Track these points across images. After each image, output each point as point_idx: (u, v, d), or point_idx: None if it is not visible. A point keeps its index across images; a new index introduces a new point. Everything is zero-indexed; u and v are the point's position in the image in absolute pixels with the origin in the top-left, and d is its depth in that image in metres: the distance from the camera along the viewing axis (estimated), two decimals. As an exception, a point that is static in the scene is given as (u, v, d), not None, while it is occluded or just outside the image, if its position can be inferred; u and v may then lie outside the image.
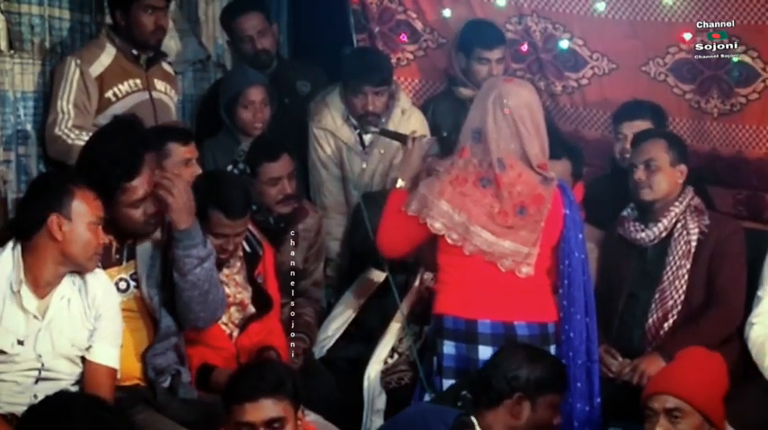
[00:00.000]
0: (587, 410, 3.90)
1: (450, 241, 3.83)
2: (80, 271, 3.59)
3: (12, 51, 4.52)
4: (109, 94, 4.76)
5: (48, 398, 3.15)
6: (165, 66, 5.05)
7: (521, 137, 3.83)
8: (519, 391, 3.60)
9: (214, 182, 4.17)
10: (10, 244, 3.55)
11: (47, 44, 4.72)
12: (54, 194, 3.53)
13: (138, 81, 4.84)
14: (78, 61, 4.69)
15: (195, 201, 4.05)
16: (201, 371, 4.08)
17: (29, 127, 4.63)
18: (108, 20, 4.96)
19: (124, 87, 4.80)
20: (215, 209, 4.04)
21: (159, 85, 4.93)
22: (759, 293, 4.29)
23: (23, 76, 4.59)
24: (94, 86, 4.71)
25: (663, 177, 4.32)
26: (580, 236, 3.92)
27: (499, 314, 3.84)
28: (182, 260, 3.74)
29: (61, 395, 3.21)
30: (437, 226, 3.85)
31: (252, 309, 4.24)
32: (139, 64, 4.86)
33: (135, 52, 4.83)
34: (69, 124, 4.62)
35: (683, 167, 4.35)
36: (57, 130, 4.61)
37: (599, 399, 3.92)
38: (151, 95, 4.87)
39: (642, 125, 4.62)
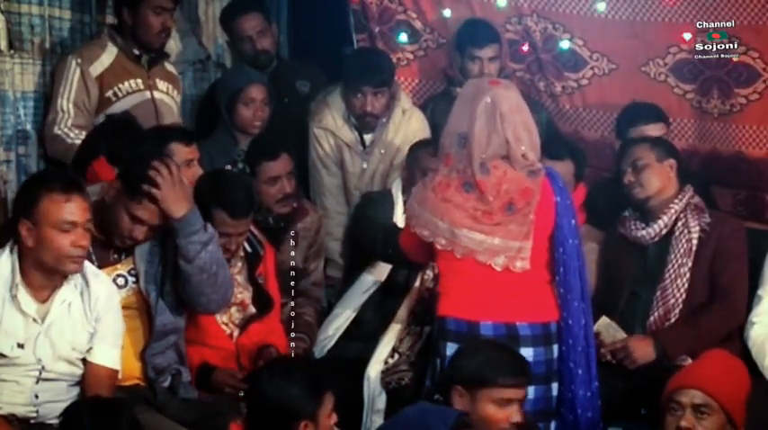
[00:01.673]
0: (588, 396, 3.88)
1: (439, 247, 3.83)
2: (62, 274, 3.52)
3: (12, 51, 4.52)
4: (109, 93, 4.76)
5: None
6: (168, 66, 5.05)
7: (509, 142, 3.81)
8: (458, 384, 3.58)
9: (218, 181, 4.17)
10: (8, 246, 3.54)
11: (47, 44, 4.72)
12: (22, 200, 3.50)
13: (139, 81, 4.84)
14: (79, 60, 4.69)
15: (199, 200, 4.06)
16: (201, 371, 4.08)
17: (29, 127, 4.63)
18: (109, 20, 4.97)
19: (125, 87, 4.79)
20: (218, 208, 4.04)
21: (161, 85, 4.92)
22: (759, 292, 4.30)
23: (23, 76, 4.59)
24: (95, 86, 4.71)
25: (651, 173, 4.33)
26: (573, 221, 3.89)
27: (501, 315, 3.82)
28: (185, 248, 3.72)
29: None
30: (425, 233, 3.84)
31: (252, 310, 4.23)
32: (141, 64, 4.85)
33: (137, 52, 4.82)
34: (69, 123, 4.62)
35: (671, 161, 4.36)
36: (56, 129, 4.61)
37: (597, 383, 3.89)
38: (153, 96, 4.87)
39: (655, 128, 4.62)
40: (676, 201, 4.35)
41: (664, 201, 4.35)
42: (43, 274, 3.50)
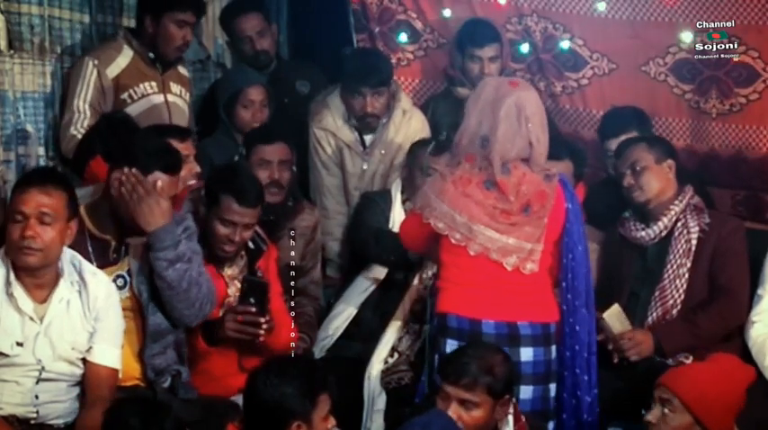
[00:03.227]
0: (589, 402, 3.91)
1: (453, 241, 3.82)
2: (22, 268, 3.50)
3: (12, 51, 4.50)
4: (124, 95, 4.77)
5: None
6: (181, 68, 5.06)
7: (532, 144, 3.81)
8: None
9: (229, 170, 4.23)
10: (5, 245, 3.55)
11: (47, 44, 4.70)
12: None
13: (153, 84, 4.85)
14: (96, 62, 4.70)
15: (209, 189, 4.06)
16: (205, 329, 4.06)
17: (29, 127, 4.61)
18: (109, 20, 4.98)
19: (140, 90, 4.81)
20: (227, 194, 4.06)
21: (174, 88, 4.94)
22: (759, 292, 4.30)
23: (23, 76, 4.58)
24: (110, 88, 4.73)
25: (651, 176, 4.33)
26: (581, 229, 3.92)
27: (503, 314, 3.82)
28: (153, 262, 3.71)
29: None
30: (440, 226, 3.84)
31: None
32: (156, 67, 4.87)
33: (152, 56, 4.84)
34: (85, 124, 4.63)
35: (669, 162, 4.36)
36: (72, 130, 4.62)
37: (596, 391, 3.93)
38: (166, 98, 4.89)
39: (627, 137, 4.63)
40: (676, 202, 4.35)
41: (664, 202, 4.35)
42: (25, 272, 3.50)
